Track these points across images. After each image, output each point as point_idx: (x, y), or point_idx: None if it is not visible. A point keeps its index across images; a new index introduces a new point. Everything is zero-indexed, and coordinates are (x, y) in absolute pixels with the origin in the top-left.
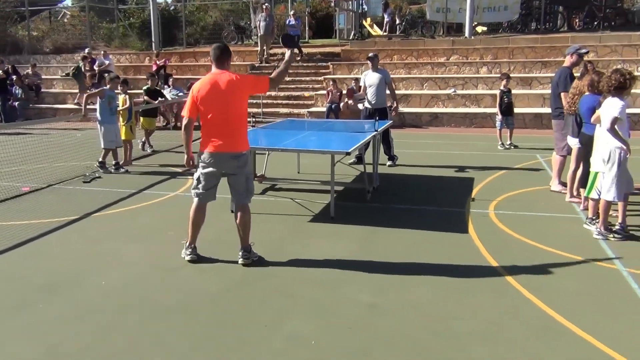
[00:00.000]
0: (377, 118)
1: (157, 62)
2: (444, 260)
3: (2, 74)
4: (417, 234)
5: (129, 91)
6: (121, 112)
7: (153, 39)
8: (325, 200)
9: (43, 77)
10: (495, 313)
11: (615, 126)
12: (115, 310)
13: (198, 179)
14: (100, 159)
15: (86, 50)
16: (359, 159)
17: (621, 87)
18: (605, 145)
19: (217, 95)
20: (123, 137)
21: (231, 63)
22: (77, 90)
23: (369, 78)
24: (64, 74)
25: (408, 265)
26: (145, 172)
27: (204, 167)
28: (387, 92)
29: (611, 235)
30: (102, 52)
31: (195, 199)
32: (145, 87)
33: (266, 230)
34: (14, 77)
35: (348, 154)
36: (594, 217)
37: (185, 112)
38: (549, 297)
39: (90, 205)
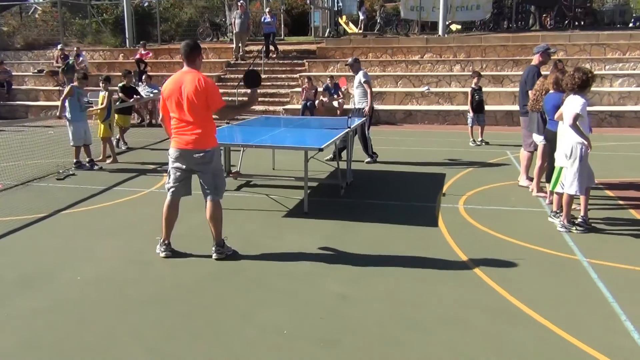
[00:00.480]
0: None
1: (142, 53)
2: (413, 252)
3: None
4: (388, 227)
5: (110, 88)
6: (99, 109)
7: (127, 36)
8: (300, 196)
9: (14, 73)
10: (460, 301)
11: (577, 122)
12: (91, 304)
13: (169, 174)
14: (75, 159)
15: (59, 47)
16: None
17: (584, 86)
18: (567, 141)
19: (181, 95)
20: (102, 135)
21: (208, 60)
22: (54, 87)
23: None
24: (36, 71)
25: (378, 257)
26: (120, 169)
27: (172, 163)
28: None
29: (574, 228)
30: (76, 49)
31: (168, 194)
32: (120, 85)
33: (240, 226)
34: None
35: (321, 150)
36: (558, 211)
37: (160, 108)
38: (512, 286)
39: (64, 201)
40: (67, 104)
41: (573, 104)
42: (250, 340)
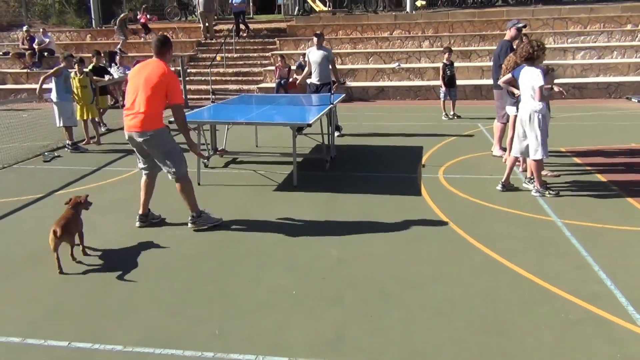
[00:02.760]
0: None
1: (147, 17)
2: (400, 218)
3: None
4: (375, 197)
5: (84, 69)
6: (81, 92)
7: (92, 16)
8: (286, 170)
9: None
10: (447, 259)
11: (539, 90)
12: (104, 274)
13: (137, 156)
14: (68, 141)
15: (24, 28)
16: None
17: (529, 58)
18: (524, 110)
19: (140, 78)
20: (87, 117)
21: (178, 40)
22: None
23: (313, 55)
24: (1, 53)
25: (368, 223)
26: (104, 150)
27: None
28: (330, 68)
29: (547, 192)
30: (41, 30)
31: (142, 174)
32: (90, 66)
33: (232, 200)
34: None
35: (309, 125)
36: (532, 177)
37: None
38: (493, 244)
39: (56, 183)
40: (53, 85)
41: (532, 77)
42: (262, 300)
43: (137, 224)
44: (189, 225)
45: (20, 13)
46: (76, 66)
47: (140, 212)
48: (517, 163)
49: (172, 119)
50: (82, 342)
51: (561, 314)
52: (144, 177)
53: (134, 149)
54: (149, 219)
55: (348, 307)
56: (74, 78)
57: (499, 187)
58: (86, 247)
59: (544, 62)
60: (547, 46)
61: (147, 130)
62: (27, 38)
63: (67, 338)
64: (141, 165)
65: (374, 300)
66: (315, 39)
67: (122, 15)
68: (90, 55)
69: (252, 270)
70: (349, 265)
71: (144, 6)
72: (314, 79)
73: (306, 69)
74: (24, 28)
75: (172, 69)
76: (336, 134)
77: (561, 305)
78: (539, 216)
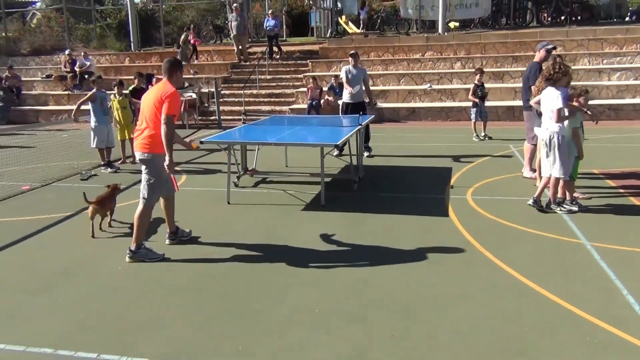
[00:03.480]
0: (360, 112)
1: (196, 39)
2: (426, 238)
3: None
4: (401, 217)
5: (123, 91)
6: (120, 113)
7: (131, 39)
8: (314, 190)
9: (23, 79)
10: (472, 280)
11: (561, 114)
12: (132, 290)
13: None
14: (102, 162)
15: (67, 52)
16: (341, 151)
17: (549, 79)
18: (544, 131)
19: (146, 100)
20: (126, 137)
21: (212, 62)
22: (63, 92)
23: (351, 74)
24: (44, 76)
25: (394, 243)
26: (137, 169)
27: None
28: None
29: (558, 209)
30: (83, 54)
31: None
32: (131, 87)
33: (262, 219)
34: None
35: (337, 146)
36: (563, 198)
37: None
38: (520, 266)
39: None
40: (90, 108)
41: (549, 98)
42: (286, 318)
43: (167, 241)
44: (127, 258)
45: (63, 37)
46: (116, 88)
47: (169, 230)
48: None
49: (203, 139)
50: (111, 354)
51: (586, 337)
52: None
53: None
54: (178, 237)
55: (370, 326)
56: (114, 100)
57: (530, 202)
58: (113, 220)
59: (581, 83)
60: (581, 67)
61: (146, 153)
62: (69, 61)
63: (97, 350)
64: None
65: (397, 319)
66: (351, 59)
67: (182, 36)
68: (130, 77)
69: (277, 288)
70: (373, 284)
71: (191, 26)
72: (347, 98)
73: (347, 86)
74: (66, 52)
75: (205, 90)
76: (365, 154)
77: (587, 328)
78: (568, 238)
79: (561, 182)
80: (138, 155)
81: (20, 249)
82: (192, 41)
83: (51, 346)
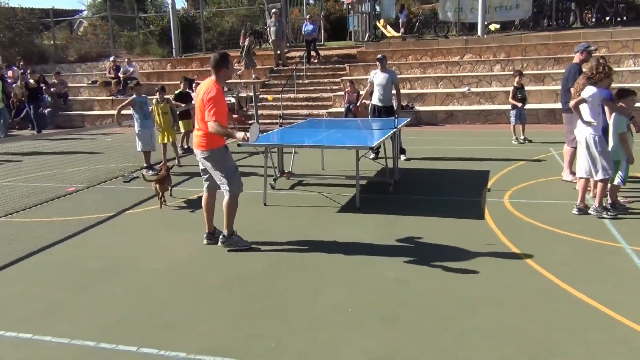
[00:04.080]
0: (384, 115)
1: (246, 37)
2: (461, 241)
3: (33, 83)
4: (436, 220)
5: (165, 96)
6: (162, 118)
7: (173, 46)
8: (350, 193)
9: (69, 85)
10: (506, 283)
11: (581, 107)
12: (171, 288)
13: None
14: (145, 164)
15: (111, 59)
16: (377, 154)
17: (590, 78)
18: (579, 133)
19: (197, 99)
20: (167, 140)
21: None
22: (107, 97)
23: (377, 78)
24: (90, 82)
25: (428, 245)
26: (177, 172)
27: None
28: (394, 92)
29: (605, 213)
30: (126, 60)
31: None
32: (177, 91)
33: (297, 220)
34: (43, 86)
35: (372, 148)
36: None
37: None
38: (557, 269)
39: (132, 201)
40: (132, 113)
41: (588, 93)
42: (319, 317)
43: (205, 241)
44: (219, 243)
45: (108, 44)
46: (157, 94)
47: (207, 230)
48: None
49: (241, 142)
50: (149, 347)
51: (622, 342)
52: (204, 194)
53: (200, 166)
54: (215, 237)
55: (402, 327)
56: (155, 105)
57: (574, 211)
58: (170, 195)
59: (626, 85)
60: (626, 69)
61: (205, 149)
62: (113, 67)
63: (136, 344)
64: (203, 180)
65: (429, 321)
66: (378, 63)
67: (247, 42)
68: (172, 82)
69: (310, 288)
70: (406, 286)
71: (244, 32)
72: (376, 101)
73: (366, 89)
74: (111, 58)
75: (244, 94)
76: (402, 157)
77: (623, 333)
78: (607, 242)
79: (598, 183)
80: (198, 154)
81: (66, 247)
82: (242, 40)
83: (93, 339)
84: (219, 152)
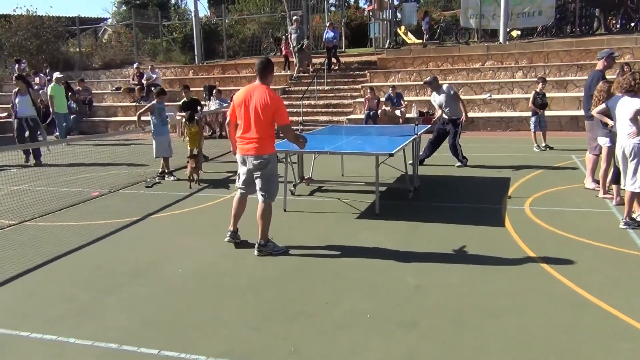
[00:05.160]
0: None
1: (286, 46)
2: (481, 248)
3: None
4: (456, 227)
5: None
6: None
7: (196, 53)
8: (370, 199)
9: (94, 91)
10: (527, 290)
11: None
12: (194, 291)
13: (238, 175)
14: (160, 170)
15: (135, 65)
16: (421, 162)
17: (630, 90)
18: (624, 141)
19: (247, 105)
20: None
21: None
22: (131, 104)
23: (435, 99)
24: (114, 88)
25: (448, 252)
26: (200, 179)
27: (239, 166)
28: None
29: (636, 225)
30: (150, 67)
31: (237, 192)
32: (181, 101)
33: (317, 226)
34: (69, 92)
35: (391, 155)
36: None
37: (228, 114)
38: (578, 278)
39: (155, 206)
40: (151, 120)
41: (632, 104)
42: (339, 322)
43: (227, 238)
44: (255, 252)
45: (132, 52)
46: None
47: (231, 228)
48: (610, 195)
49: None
50: (171, 350)
51: None
52: (238, 195)
53: (241, 170)
54: (237, 236)
55: (422, 333)
56: (187, 126)
57: (622, 226)
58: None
59: None
60: None
61: (261, 155)
62: (137, 74)
63: (158, 346)
64: (239, 184)
65: (449, 327)
66: (429, 86)
67: (305, 43)
68: (194, 89)
69: (331, 293)
70: (426, 292)
71: (284, 37)
72: (448, 116)
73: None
74: (135, 65)
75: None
76: (457, 164)
77: None
78: (630, 251)
79: (628, 194)
80: (252, 160)
81: (90, 251)
82: (283, 52)
83: (116, 342)
84: (273, 157)
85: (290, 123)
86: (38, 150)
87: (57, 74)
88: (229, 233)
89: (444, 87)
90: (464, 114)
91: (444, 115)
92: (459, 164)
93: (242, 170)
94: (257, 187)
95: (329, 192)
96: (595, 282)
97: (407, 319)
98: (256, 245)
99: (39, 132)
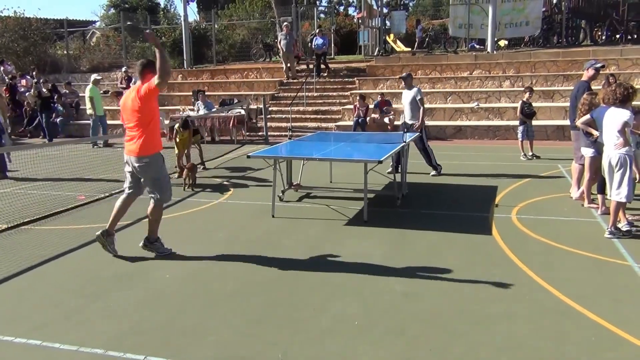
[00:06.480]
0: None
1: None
2: (468, 256)
3: (46, 92)
4: (444, 235)
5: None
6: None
7: (185, 57)
8: (358, 206)
9: (81, 94)
10: (514, 299)
11: (627, 130)
12: (182, 297)
13: (125, 176)
14: None
15: (123, 69)
16: (395, 169)
17: (624, 100)
18: (611, 151)
19: (125, 105)
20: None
21: (262, 79)
22: (119, 107)
23: (404, 96)
24: (102, 92)
25: (436, 260)
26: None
27: (125, 166)
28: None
29: (620, 233)
30: None
31: (124, 193)
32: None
33: (305, 232)
34: (55, 95)
35: (380, 162)
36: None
37: None
38: (564, 286)
39: (144, 211)
40: None
41: (619, 115)
42: (327, 328)
43: (98, 232)
44: (141, 244)
45: (120, 55)
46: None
47: (107, 228)
48: (595, 205)
49: (251, 154)
50: (158, 357)
51: None
52: (124, 196)
53: (127, 171)
54: (111, 236)
55: (410, 340)
56: (180, 132)
57: (607, 235)
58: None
59: (636, 103)
60: (636, 87)
61: (143, 156)
62: (125, 78)
63: (145, 352)
64: (127, 184)
65: (437, 334)
66: (403, 82)
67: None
68: (182, 94)
69: (320, 299)
70: (414, 299)
71: (295, 38)
72: (407, 119)
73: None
74: (123, 69)
75: (254, 106)
76: (432, 172)
77: (631, 351)
78: (615, 260)
79: (614, 203)
80: (134, 161)
81: (77, 256)
82: (295, 52)
83: (102, 347)
84: (156, 158)
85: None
86: (3, 162)
87: (95, 76)
88: (102, 231)
89: (416, 88)
90: (420, 120)
91: (405, 119)
92: (433, 172)
93: (125, 171)
94: (147, 188)
95: (317, 198)
96: (581, 291)
97: (395, 326)
98: (144, 241)
99: (2, 140)
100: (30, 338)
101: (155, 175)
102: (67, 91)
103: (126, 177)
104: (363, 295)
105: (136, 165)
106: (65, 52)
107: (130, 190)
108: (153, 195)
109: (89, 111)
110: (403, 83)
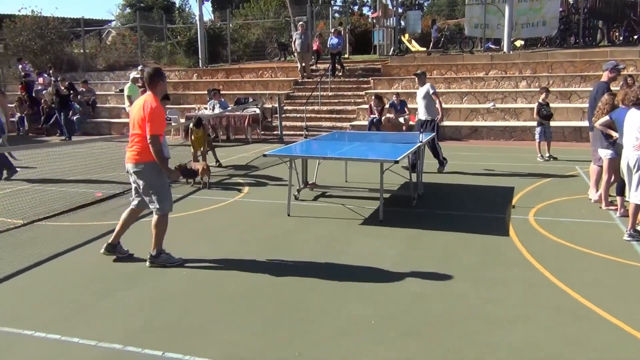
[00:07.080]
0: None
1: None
2: (485, 257)
3: (64, 90)
4: (460, 235)
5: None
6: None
7: (200, 56)
8: (373, 206)
9: (97, 93)
10: (531, 301)
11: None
12: (197, 294)
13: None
14: None
15: (139, 68)
16: (413, 167)
17: (638, 102)
18: (630, 153)
19: (132, 110)
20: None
21: (276, 78)
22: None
23: (418, 93)
24: (117, 90)
25: (452, 261)
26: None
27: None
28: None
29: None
30: None
31: (131, 205)
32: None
33: (321, 232)
34: (72, 93)
35: (397, 162)
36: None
37: None
38: (582, 289)
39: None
40: None
41: (639, 116)
42: (342, 328)
43: (102, 250)
44: (147, 263)
45: (136, 54)
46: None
47: (111, 241)
48: (613, 207)
49: (266, 153)
50: (175, 352)
51: None
52: (130, 209)
53: (131, 181)
54: (116, 251)
55: (424, 341)
56: (194, 130)
57: (626, 237)
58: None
59: None
60: None
61: (139, 163)
62: (141, 77)
63: (162, 348)
64: (132, 198)
65: (451, 336)
66: (416, 79)
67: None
68: (198, 92)
69: (334, 299)
70: (428, 301)
71: (317, 34)
72: (420, 115)
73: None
74: (139, 68)
75: (269, 105)
76: (438, 167)
77: None
78: (634, 263)
79: (633, 205)
80: (131, 168)
81: (96, 250)
82: (315, 47)
83: (120, 342)
84: (152, 166)
85: (161, 136)
86: (7, 161)
87: (134, 73)
88: (106, 246)
89: (428, 84)
90: (440, 113)
91: (419, 116)
92: (439, 166)
93: (131, 181)
94: (144, 197)
95: (332, 197)
96: (599, 293)
97: (409, 328)
98: (148, 257)
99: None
100: (49, 332)
101: (152, 183)
102: (84, 89)
103: (132, 189)
104: (378, 296)
105: (132, 172)
106: (81, 50)
107: (136, 203)
108: (152, 206)
109: (128, 109)
110: (417, 80)
